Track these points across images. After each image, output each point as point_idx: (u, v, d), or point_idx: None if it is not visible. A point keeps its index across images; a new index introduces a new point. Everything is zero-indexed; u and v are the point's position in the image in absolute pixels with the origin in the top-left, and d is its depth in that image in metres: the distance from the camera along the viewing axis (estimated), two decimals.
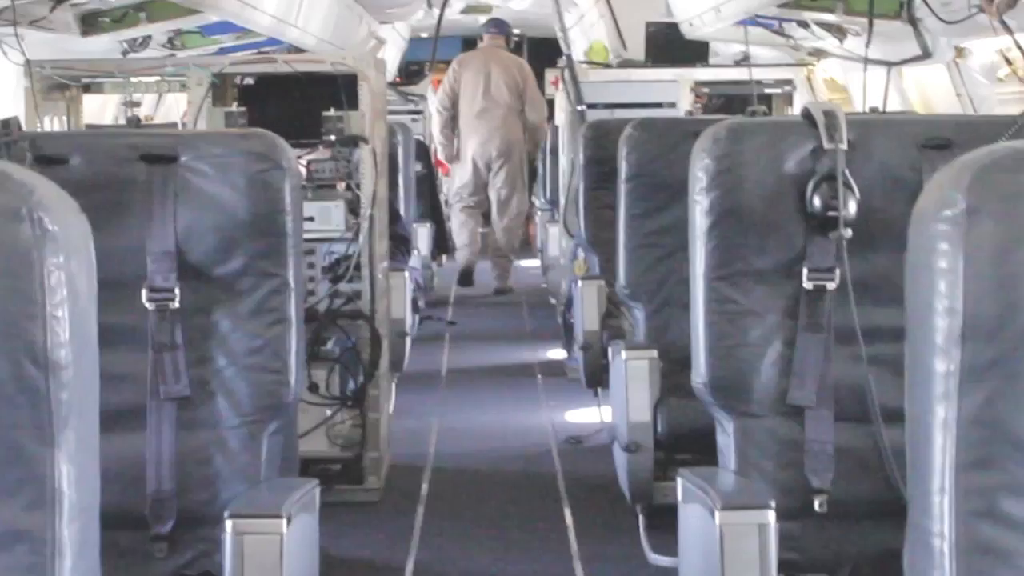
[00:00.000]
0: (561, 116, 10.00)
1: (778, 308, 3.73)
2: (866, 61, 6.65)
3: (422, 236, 11.27)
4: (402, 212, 9.17)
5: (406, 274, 7.85)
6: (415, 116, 13.34)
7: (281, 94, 6.82)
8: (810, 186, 3.73)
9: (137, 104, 8.77)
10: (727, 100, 9.70)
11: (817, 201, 3.72)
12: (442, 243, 12.15)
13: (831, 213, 3.70)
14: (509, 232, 13.01)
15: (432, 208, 11.95)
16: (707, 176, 3.79)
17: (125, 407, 3.72)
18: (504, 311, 12.71)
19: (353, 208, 6.63)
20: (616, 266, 5.92)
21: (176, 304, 3.73)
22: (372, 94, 6.54)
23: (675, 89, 9.40)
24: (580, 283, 7.40)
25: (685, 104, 9.38)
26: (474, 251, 13.18)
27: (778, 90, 9.51)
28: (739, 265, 3.75)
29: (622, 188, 5.82)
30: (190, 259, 3.75)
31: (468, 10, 17.17)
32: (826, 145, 3.75)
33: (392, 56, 16.94)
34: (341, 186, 6.78)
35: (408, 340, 7.92)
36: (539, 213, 12.93)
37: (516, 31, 17.57)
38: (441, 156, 13.35)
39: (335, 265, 6.64)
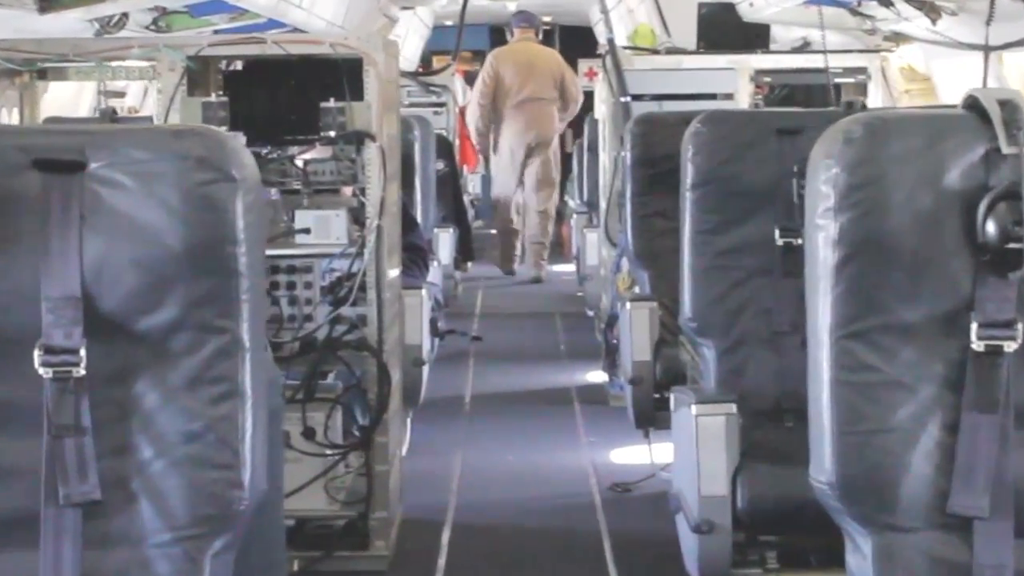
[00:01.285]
0: (602, 109, 8.87)
1: (935, 378, 2.70)
2: (987, 49, 5.49)
3: (443, 243, 10.13)
4: (419, 218, 8.03)
5: (423, 292, 6.72)
6: (437, 109, 12.21)
7: (273, 82, 5.74)
8: (982, 207, 2.63)
9: (120, 95, 7.69)
10: (791, 91, 8.57)
11: (992, 227, 2.63)
12: (466, 249, 11.00)
13: (1013, 245, 2.59)
14: (543, 218, 13.41)
15: (455, 211, 10.81)
16: (836, 193, 2.67)
17: (12, 514, 2.63)
18: (535, 324, 11.60)
19: (358, 217, 5.54)
20: (679, 292, 4.79)
21: (81, 371, 2.61)
22: (381, 82, 5.42)
23: (732, 78, 8.27)
24: (628, 306, 6.29)
25: (744, 95, 8.26)
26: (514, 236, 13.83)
27: (849, 79, 8.36)
28: (880, 317, 2.70)
29: (687, 197, 4.69)
30: (102, 307, 2.62)
31: None
32: (1005, 149, 2.64)
33: (414, 44, 16.15)
34: (346, 192, 5.68)
35: (425, 370, 6.80)
36: (574, 216, 11.77)
37: (547, 18, 17.60)
38: (478, 147, 13.69)
39: (336, 285, 5.56)
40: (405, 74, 11.83)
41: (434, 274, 8.20)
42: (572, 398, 8.74)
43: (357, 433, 5.46)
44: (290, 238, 5.52)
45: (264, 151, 5.67)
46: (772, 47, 9.02)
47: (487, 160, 14.27)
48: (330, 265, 5.58)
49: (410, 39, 15.51)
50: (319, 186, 5.62)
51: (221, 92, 5.70)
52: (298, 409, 5.39)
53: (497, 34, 17.54)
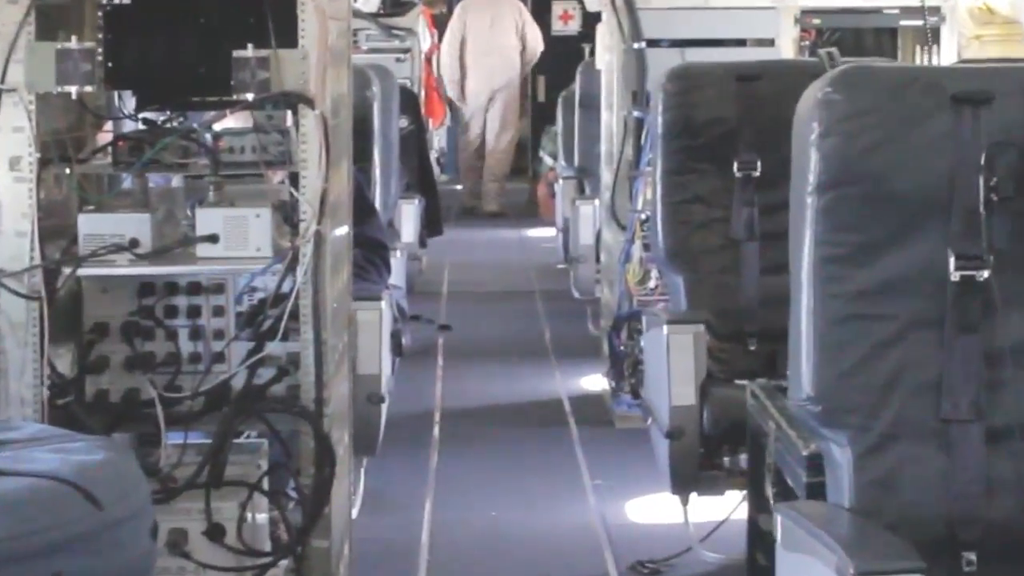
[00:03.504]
0: (605, 58, 7.15)
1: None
2: None
3: (407, 216, 8.38)
4: (379, 194, 6.29)
5: (382, 304, 5.02)
6: (400, 56, 10.44)
7: (172, 22, 4.00)
8: None
9: None
10: (840, 37, 6.88)
11: None
12: (434, 222, 9.26)
13: None
14: (504, 156, 14.57)
15: (421, 177, 9.07)
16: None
17: None
18: (514, 307, 9.92)
19: (289, 217, 3.84)
20: (792, 356, 2.97)
21: None
22: (322, 21, 3.69)
23: (773, 20, 6.58)
24: (666, 330, 4.63)
25: (787, 41, 6.56)
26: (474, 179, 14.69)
27: (915, 22, 6.66)
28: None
29: (808, 205, 2.93)
30: None
31: None
32: None
33: None
34: (274, 179, 4.00)
35: (384, 407, 5.10)
36: (560, 181, 10.02)
37: None
38: (451, 96, 14.21)
39: (258, 312, 3.86)
40: (362, 15, 10.09)
41: (397, 271, 6.49)
42: (567, 416, 7.06)
43: (285, 535, 3.75)
44: (190, 248, 3.81)
45: (160, 119, 3.98)
46: None
47: (453, 110, 14.45)
48: (250, 284, 3.88)
49: None
50: (235, 169, 3.92)
51: (101, 36, 3.98)
52: (200, 498, 3.68)
53: None
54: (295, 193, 3.74)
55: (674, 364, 4.63)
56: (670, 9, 6.60)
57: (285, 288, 3.79)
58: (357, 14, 9.89)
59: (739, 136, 4.96)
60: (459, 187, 15.13)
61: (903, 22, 6.66)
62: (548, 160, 13.55)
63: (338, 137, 3.95)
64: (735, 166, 4.94)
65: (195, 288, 3.96)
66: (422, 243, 8.95)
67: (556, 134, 11.49)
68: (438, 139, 14.45)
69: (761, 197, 4.96)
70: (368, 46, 10.62)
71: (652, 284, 6.50)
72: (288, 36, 3.70)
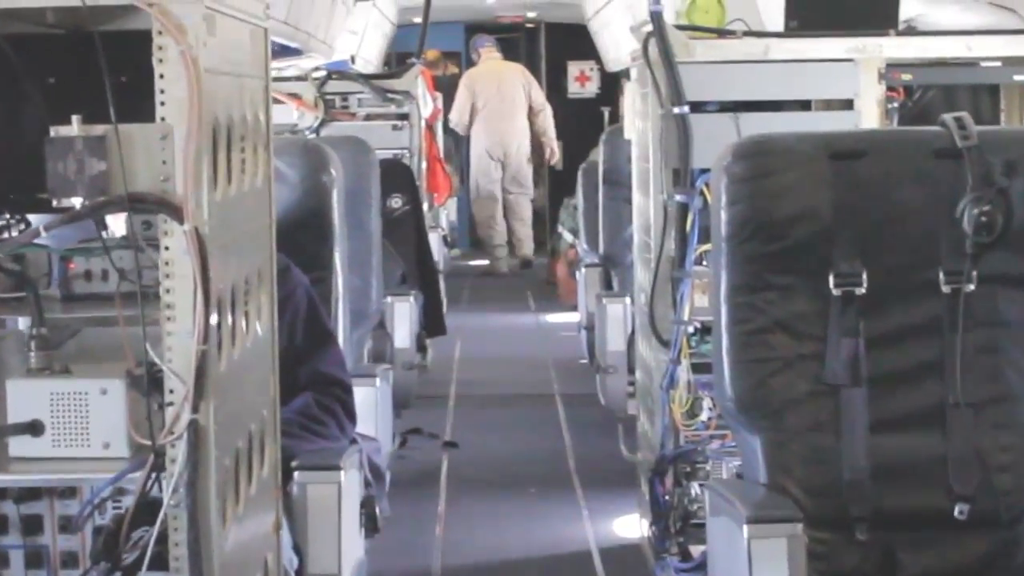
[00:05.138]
0: (636, 125, 5.71)
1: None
2: None
3: (401, 317, 6.90)
4: (340, 311, 4.74)
5: (340, 478, 3.55)
6: (397, 123, 9.01)
7: None
8: None
9: None
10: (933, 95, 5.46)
11: None
12: (435, 321, 7.78)
13: None
14: (525, 239, 15.14)
15: (420, 266, 7.62)
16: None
17: None
18: (531, 416, 8.52)
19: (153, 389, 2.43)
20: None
21: None
22: (192, 75, 2.25)
23: (851, 75, 5.14)
24: (746, 533, 3.17)
25: (869, 102, 5.13)
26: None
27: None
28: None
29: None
30: None
31: None
32: None
33: (376, 43, 13.34)
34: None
35: None
36: (582, 268, 8.54)
37: (531, 15, 16.73)
38: (456, 128, 14.67)
39: (115, 534, 2.45)
40: (351, 76, 8.71)
41: (384, 396, 5.02)
42: (595, 571, 5.61)
43: None
44: (4, 441, 2.40)
45: None
46: None
47: (463, 177, 14.99)
48: (99, 495, 2.47)
49: (370, 37, 12.69)
50: (88, 309, 2.52)
51: None
52: None
53: (473, 33, 16.17)
54: (156, 359, 2.31)
55: None
56: (718, 63, 5.15)
57: (156, 493, 2.38)
58: (346, 75, 8.59)
59: (836, 237, 3.51)
60: (472, 263, 15.24)
61: (1017, 76, 5.21)
62: (567, 236, 12.28)
63: (235, 262, 2.53)
64: (831, 280, 3.50)
65: (27, 495, 2.56)
66: (420, 347, 7.47)
67: (575, 208, 10.12)
68: (446, 214, 13.10)
69: (869, 324, 3.53)
70: (363, 112, 9.22)
71: (705, 416, 5.07)
72: (139, 103, 2.29)
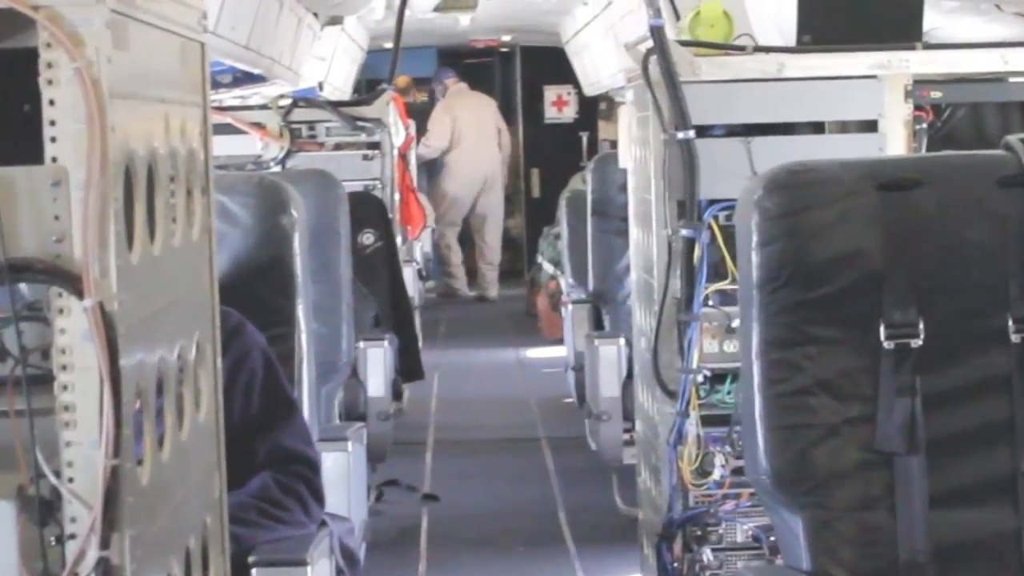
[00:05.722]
0: (634, 152, 5.18)
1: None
2: None
3: (375, 363, 6.37)
4: (305, 371, 4.16)
5: (307, 573, 3.02)
6: (368, 153, 8.47)
7: None
8: None
9: None
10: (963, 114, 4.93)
11: None
12: (412, 364, 7.24)
13: None
14: (491, 284, 15.22)
15: (393, 307, 7.07)
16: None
17: None
18: (517, 463, 8.04)
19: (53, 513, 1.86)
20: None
21: None
22: (94, 103, 1.71)
23: (876, 94, 4.61)
24: None
25: (895, 123, 4.61)
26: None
27: None
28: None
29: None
30: None
31: (444, 7, 12.95)
32: None
33: (345, 69, 12.94)
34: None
35: None
36: (569, 305, 8.02)
37: (506, 38, 16.43)
38: (426, 154, 14.68)
39: None
40: (318, 104, 8.18)
41: (356, 455, 4.47)
42: None
43: None
44: None
45: None
46: None
47: (436, 203, 14.52)
48: None
49: (341, 63, 12.37)
50: None
51: None
52: None
53: (447, 58, 16.42)
54: (53, 479, 1.76)
55: None
56: (727, 82, 4.62)
57: None
58: (313, 103, 8.09)
59: (887, 282, 2.99)
60: (446, 296, 15.17)
61: None
62: (548, 268, 11.84)
63: (163, 338, 1.98)
64: (882, 332, 2.97)
65: None
66: (396, 394, 6.93)
67: (556, 238, 9.60)
68: (420, 246, 12.61)
69: (926, 381, 3.01)
70: (331, 141, 8.69)
71: (717, 475, 4.55)
72: (23, 142, 1.74)
